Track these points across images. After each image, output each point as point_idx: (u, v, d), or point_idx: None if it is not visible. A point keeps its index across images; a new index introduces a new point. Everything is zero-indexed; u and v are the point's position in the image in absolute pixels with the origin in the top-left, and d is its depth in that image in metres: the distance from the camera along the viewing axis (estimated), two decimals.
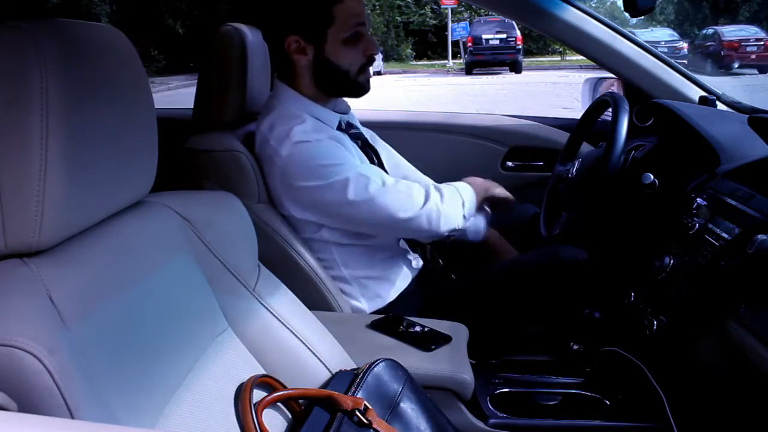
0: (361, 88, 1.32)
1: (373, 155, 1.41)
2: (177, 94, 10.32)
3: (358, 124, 1.45)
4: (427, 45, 23.48)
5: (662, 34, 17.81)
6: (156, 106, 0.78)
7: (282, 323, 0.91)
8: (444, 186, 1.38)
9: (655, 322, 1.13)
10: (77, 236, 0.66)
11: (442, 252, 1.61)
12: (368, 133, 1.48)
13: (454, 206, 1.34)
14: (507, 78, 14.19)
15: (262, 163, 1.28)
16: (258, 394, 0.79)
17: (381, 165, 1.43)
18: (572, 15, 1.51)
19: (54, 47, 0.60)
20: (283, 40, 1.26)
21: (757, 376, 0.90)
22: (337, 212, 1.27)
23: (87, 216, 0.67)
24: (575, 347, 1.40)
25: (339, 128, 1.35)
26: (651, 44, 1.68)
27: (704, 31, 15.94)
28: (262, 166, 1.28)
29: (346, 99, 1.40)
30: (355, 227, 1.31)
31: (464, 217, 1.36)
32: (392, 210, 1.27)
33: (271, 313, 0.91)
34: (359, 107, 1.60)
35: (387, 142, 1.60)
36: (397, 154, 1.60)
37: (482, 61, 15.42)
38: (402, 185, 1.31)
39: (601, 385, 1.28)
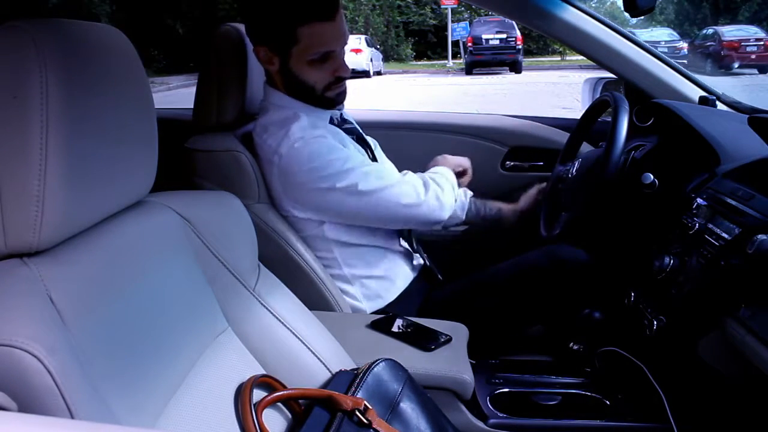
0: (329, 102, 1.31)
1: (367, 150, 1.41)
2: (177, 94, 10.32)
3: (352, 120, 1.45)
4: (427, 45, 23.50)
5: (662, 34, 17.80)
6: (156, 106, 0.78)
7: (282, 323, 0.91)
8: (436, 175, 1.41)
9: (655, 322, 1.12)
10: (77, 236, 0.66)
11: (440, 253, 1.61)
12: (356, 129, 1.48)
13: (449, 193, 1.38)
14: (507, 78, 14.19)
15: (261, 163, 1.28)
16: (258, 394, 0.79)
17: (375, 159, 1.43)
18: (572, 15, 1.51)
19: (54, 47, 0.60)
20: (254, 48, 1.28)
21: (757, 376, 0.90)
22: (341, 206, 1.27)
23: (87, 216, 0.67)
24: (575, 347, 1.40)
25: (332, 123, 1.35)
26: (651, 44, 1.68)
27: (704, 31, 15.92)
28: (261, 167, 1.29)
29: None
30: (359, 221, 1.32)
31: (455, 200, 1.40)
32: (396, 201, 1.30)
33: (271, 313, 0.91)
34: (359, 107, 1.60)
35: (387, 143, 1.60)
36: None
37: (482, 61, 15.44)
38: (405, 177, 1.36)
39: (601, 385, 1.28)
